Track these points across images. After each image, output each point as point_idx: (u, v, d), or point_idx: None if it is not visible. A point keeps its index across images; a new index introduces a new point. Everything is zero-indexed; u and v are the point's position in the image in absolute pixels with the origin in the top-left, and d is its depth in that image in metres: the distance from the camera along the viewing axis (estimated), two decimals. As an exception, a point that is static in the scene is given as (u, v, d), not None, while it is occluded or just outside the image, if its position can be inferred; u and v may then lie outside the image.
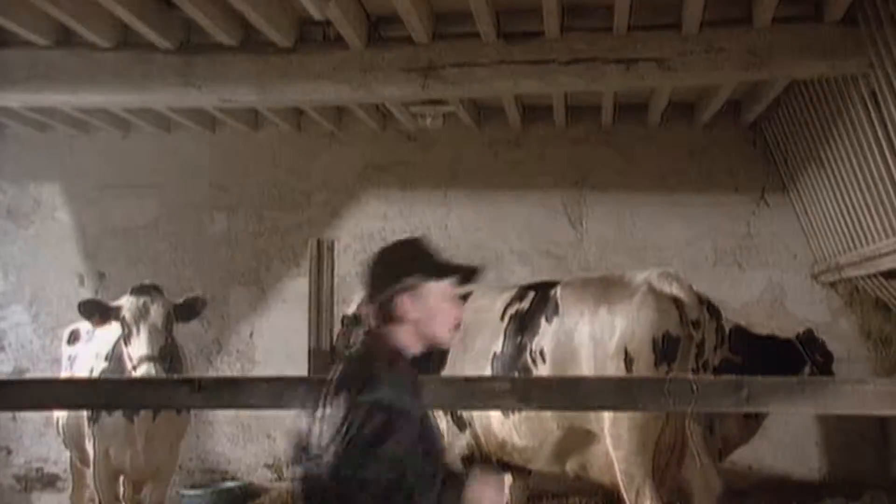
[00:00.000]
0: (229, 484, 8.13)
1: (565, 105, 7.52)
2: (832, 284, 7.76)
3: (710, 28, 5.46)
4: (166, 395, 3.71)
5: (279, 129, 8.30)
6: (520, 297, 5.45)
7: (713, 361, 5.50)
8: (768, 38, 5.44)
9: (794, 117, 6.98)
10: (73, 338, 6.43)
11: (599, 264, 7.93)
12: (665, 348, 4.90)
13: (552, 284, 5.41)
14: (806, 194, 7.48)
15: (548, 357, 5.07)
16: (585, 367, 4.98)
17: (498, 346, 5.29)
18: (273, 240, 8.50)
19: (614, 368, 4.89)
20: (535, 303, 5.33)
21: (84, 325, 6.10)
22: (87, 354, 6.00)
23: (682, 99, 7.56)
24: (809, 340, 6.40)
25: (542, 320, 5.20)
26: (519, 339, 5.23)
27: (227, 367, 8.44)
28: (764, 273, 8.00)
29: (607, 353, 4.91)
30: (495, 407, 4.47)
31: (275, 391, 3.45)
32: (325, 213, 8.50)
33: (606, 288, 5.20)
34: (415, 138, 8.31)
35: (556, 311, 5.19)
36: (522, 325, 5.28)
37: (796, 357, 6.28)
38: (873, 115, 5.56)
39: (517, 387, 2.65)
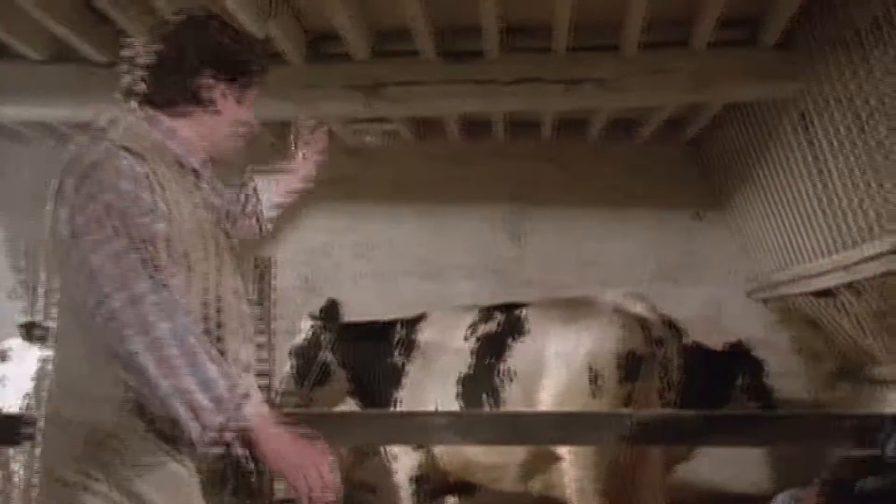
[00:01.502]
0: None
1: (505, 121, 7.54)
2: (766, 301, 7.89)
3: (651, 50, 5.54)
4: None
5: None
6: (485, 318, 5.50)
7: (677, 380, 5.59)
8: (707, 62, 5.54)
9: (730, 137, 7.10)
10: (2, 356, 6.24)
11: (542, 280, 7.97)
12: (630, 366, 5.01)
13: (518, 305, 5.47)
14: (742, 212, 7.60)
15: (516, 377, 5.14)
16: (553, 386, 5.05)
17: (465, 367, 5.31)
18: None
19: (581, 386, 4.97)
20: (503, 324, 5.37)
21: (16, 343, 5.93)
22: (19, 376, 5.83)
23: (623, 115, 7.63)
24: (740, 352, 6.50)
25: (510, 340, 5.26)
26: (487, 359, 5.27)
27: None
28: (701, 289, 8.10)
29: (574, 372, 5.00)
30: (433, 442, 4.46)
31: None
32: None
33: (573, 308, 5.31)
34: (357, 153, 8.26)
35: (523, 331, 5.26)
36: (490, 345, 5.32)
37: (729, 369, 6.37)
38: (803, 137, 5.68)
39: (455, 421, 2.64)
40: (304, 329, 5.97)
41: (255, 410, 1.94)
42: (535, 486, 5.27)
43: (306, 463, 1.96)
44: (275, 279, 8.27)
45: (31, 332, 5.42)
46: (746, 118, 6.61)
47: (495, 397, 5.18)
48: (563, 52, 5.57)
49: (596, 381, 4.97)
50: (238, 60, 2.26)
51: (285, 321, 8.28)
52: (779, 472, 7.65)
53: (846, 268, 5.63)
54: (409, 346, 5.56)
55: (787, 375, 7.57)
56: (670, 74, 5.55)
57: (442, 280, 7.97)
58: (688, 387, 5.89)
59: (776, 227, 6.84)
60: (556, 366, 5.06)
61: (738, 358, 6.49)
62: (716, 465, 7.57)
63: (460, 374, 5.32)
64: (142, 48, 2.22)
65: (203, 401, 1.86)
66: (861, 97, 4.87)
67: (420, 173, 8.30)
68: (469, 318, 5.54)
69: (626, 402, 5.13)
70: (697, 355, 6.27)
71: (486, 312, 5.55)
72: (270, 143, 8.07)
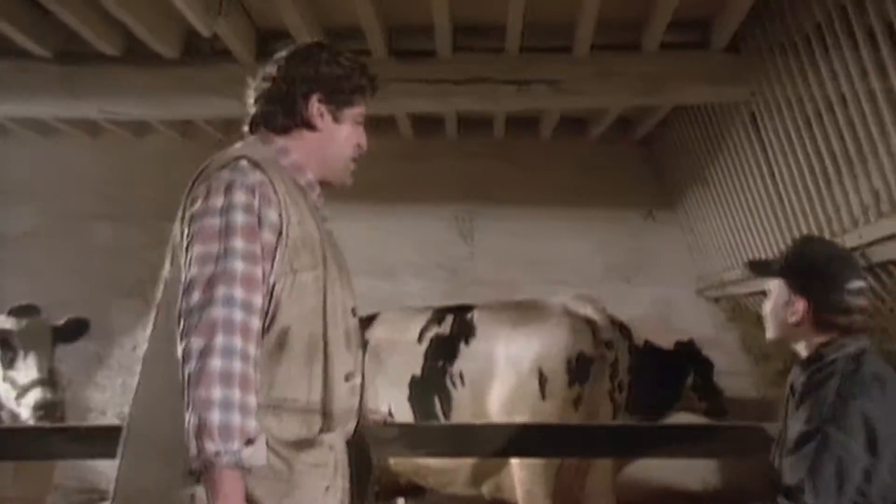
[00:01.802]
0: (109, 504, 7.90)
1: (458, 118, 7.56)
2: (716, 300, 8.02)
3: (602, 52, 5.59)
4: (42, 444, 3.51)
5: (165, 137, 8.11)
6: (438, 320, 5.52)
7: (626, 382, 5.67)
8: (658, 64, 5.60)
9: (681, 136, 7.20)
10: None
11: (492, 278, 8.02)
12: (579, 369, 5.07)
13: (468, 308, 5.50)
14: (692, 212, 7.71)
15: (467, 379, 5.18)
16: (502, 389, 5.09)
17: (417, 370, 5.34)
18: (160, 251, 8.24)
19: (530, 389, 5.01)
20: (454, 326, 5.41)
21: None
22: None
23: (575, 114, 7.69)
24: (690, 350, 6.59)
25: (461, 343, 5.29)
26: (439, 362, 5.30)
27: (108, 382, 8.24)
28: (651, 288, 8.21)
29: (523, 375, 5.05)
30: (383, 454, 4.48)
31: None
32: (213, 224, 8.35)
33: (522, 311, 5.36)
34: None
35: (473, 333, 5.29)
36: (442, 348, 5.35)
37: (679, 368, 6.46)
38: (754, 139, 5.79)
39: (405, 433, 2.66)
40: None
41: (254, 458, 2.00)
42: (486, 489, 5.32)
43: None
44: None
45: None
46: (698, 119, 6.71)
47: (446, 400, 5.23)
48: (516, 52, 5.60)
49: (545, 384, 5.03)
50: (342, 84, 2.47)
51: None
52: (729, 470, 7.78)
53: (794, 269, 5.75)
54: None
55: (737, 374, 7.71)
56: (621, 76, 5.61)
57: (393, 278, 7.98)
58: (638, 386, 5.97)
59: (727, 227, 6.96)
60: (506, 369, 5.12)
61: (688, 357, 6.57)
62: (666, 463, 7.68)
63: (412, 376, 5.35)
64: (258, 78, 2.52)
65: (214, 418, 1.94)
66: (810, 100, 4.97)
67: (371, 170, 8.17)
68: (421, 320, 5.57)
69: (576, 405, 5.20)
70: (648, 354, 6.34)
71: (438, 314, 5.58)
72: (218, 140, 8.04)
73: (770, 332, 2.71)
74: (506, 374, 5.11)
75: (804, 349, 2.62)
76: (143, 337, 2.34)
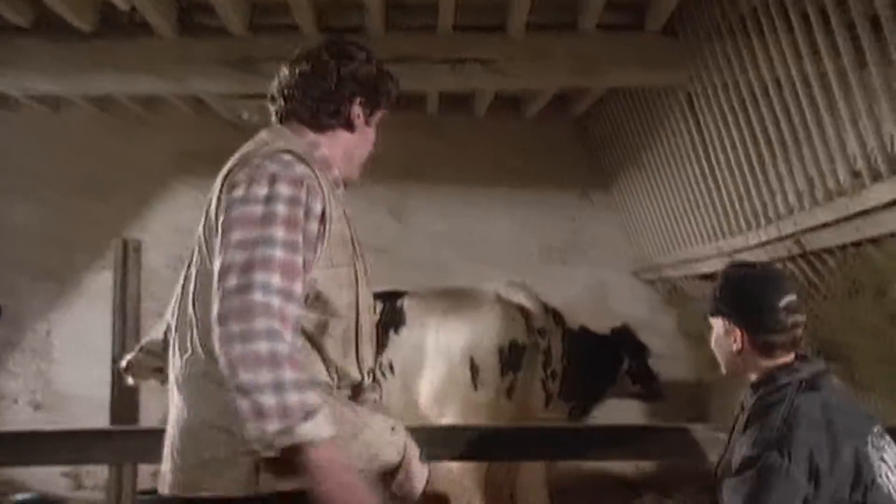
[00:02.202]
0: (22, 496, 7.72)
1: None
2: (652, 282, 8.09)
3: (537, 32, 5.56)
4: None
5: (83, 112, 7.90)
6: None
7: (560, 370, 5.69)
8: (593, 45, 5.60)
9: (617, 117, 7.22)
10: None
11: (424, 259, 7.98)
12: (511, 357, 5.07)
13: (398, 295, 5.45)
14: (628, 194, 7.75)
15: (396, 369, 5.14)
16: (433, 378, 5.07)
17: None
18: (76, 230, 8.11)
19: (462, 378, 5.00)
20: (384, 314, 5.36)
21: None
22: None
23: (510, 92, 7.66)
24: (625, 335, 6.66)
25: (391, 332, 5.25)
26: None
27: (21, 368, 8.06)
28: (587, 270, 8.26)
29: (454, 364, 5.03)
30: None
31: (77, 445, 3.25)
32: (134, 203, 8.19)
33: (453, 298, 5.33)
34: (234, 125, 8.08)
35: (403, 322, 5.25)
36: None
37: (614, 352, 6.53)
38: (690, 122, 5.82)
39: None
40: None
41: (316, 430, 2.00)
42: None
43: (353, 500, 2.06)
44: (146, 257, 8.09)
45: None
46: (634, 100, 6.72)
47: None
48: (449, 30, 5.55)
49: (477, 374, 5.02)
50: (379, 87, 2.56)
51: (156, 303, 8.09)
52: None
53: (730, 254, 5.82)
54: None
55: (673, 358, 7.80)
56: (557, 57, 5.60)
57: (322, 260, 7.90)
58: (573, 372, 6.01)
59: (663, 210, 7.01)
60: (437, 358, 5.09)
61: (624, 342, 6.64)
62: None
63: None
64: (291, 70, 2.49)
65: (270, 402, 1.95)
66: (746, 84, 5.01)
67: (298, 148, 8.15)
68: None
69: (508, 394, 5.21)
70: (583, 340, 6.39)
71: None
72: (137, 115, 7.87)
73: (722, 368, 2.76)
74: (436, 363, 5.09)
75: (753, 374, 2.65)
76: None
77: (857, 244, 4.45)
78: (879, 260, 4.31)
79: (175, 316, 2.35)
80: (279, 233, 2.12)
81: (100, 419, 6.04)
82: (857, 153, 4.19)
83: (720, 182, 5.73)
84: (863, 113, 4.04)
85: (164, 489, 2.24)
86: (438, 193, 8.17)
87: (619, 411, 6.77)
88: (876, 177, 4.01)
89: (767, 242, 5.22)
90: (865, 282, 4.50)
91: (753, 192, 5.31)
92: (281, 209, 2.15)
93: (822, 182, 4.54)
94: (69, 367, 7.90)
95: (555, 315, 5.60)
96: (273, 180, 2.18)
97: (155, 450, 2.42)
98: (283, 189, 2.18)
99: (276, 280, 2.07)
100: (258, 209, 2.14)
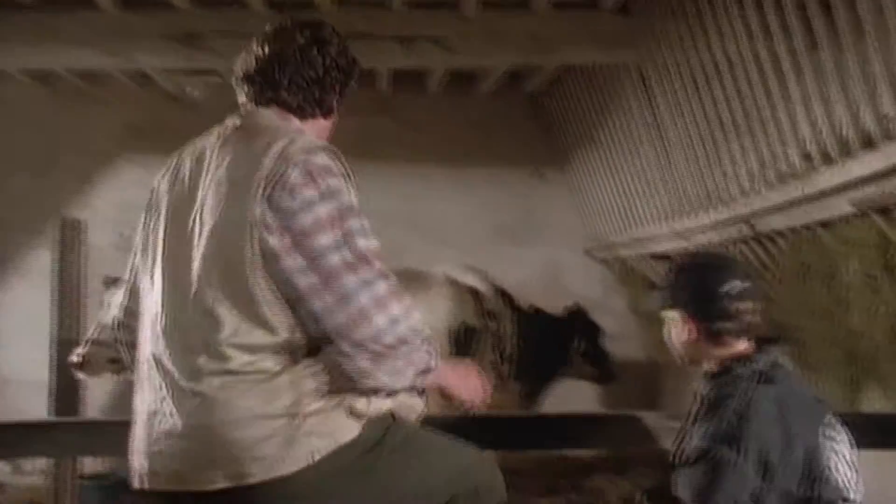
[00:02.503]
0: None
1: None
2: (606, 261, 8.16)
3: (490, 10, 5.56)
4: None
5: (22, 86, 7.75)
6: None
7: (510, 352, 5.72)
8: (546, 23, 5.61)
9: (571, 95, 7.24)
10: None
11: (378, 237, 7.94)
12: (462, 340, 5.08)
13: None
14: (582, 172, 7.80)
15: None
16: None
17: None
18: (15, 209, 7.97)
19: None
20: None
21: None
22: None
23: (463, 68, 7.64)
24: (579, 316, 6.71)
25: None
26: None
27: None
28: (541, 249, 8.30)
29: None
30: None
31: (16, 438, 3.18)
32: (76, 179, 8.06)
33: (403, 281, 5.28)
34: (178, 101, 7.98)
35: None
36: None
37: (567, 333, 6.58)
38: (643, 101, 5.87)
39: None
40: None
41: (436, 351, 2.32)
42: None
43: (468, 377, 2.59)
44: (88, 237, 7.97)
45: None
46: (588, 77, 6.75)
47: None
48: (401, 7, 5.52)
49: None
50: (352, 74, 2.54)
51: (98, 281, 8.00)
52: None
53: (683, 235, 5.88)
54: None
55: (626, 337, 7.89)
56: (509, 35, 5.60)
57: (272, 239, 7.85)
58: (526, 353, 6.06)
59: (616, 189, 7.06)
60: None
61: (576, 322, 6.70)
62: (552, 428, 7.84)
63: None
64: (268, 52, 2.42)
65: (418, 341, 2.23)
66: (699, 64, 5.04)
67: (247, 124, 8.09)
68: None
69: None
70: (536, 321, 6.44)
71: None
72: (79, 90, 7.74)
73: (678, 359, 2.79)
74: None
75: (708, 364, 2.68)
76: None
77: (807, 227, 4.52)
78: (829, 243, 4.38)
79: (162, 312, 2.27)
80: (356, 224, 2.20)
81: (40, 403, 5.97)
82: (808, 136, 4.25)
83: (673, 162, 5.78)
84: (814, 95, 4.09)
85: (175, 485, 2.20)
86: (390, 172, 8.12)
87: (572, 391, 6.84)
88: (826, 160, 4.08)
89: (720, 224, 5.28)
90: (815, 264, 4.57)
91: (706, 173, 5.36)
92: (346, 199, 2.21)
93: (773, 165, 4.60)
94: (9, 350, 7.78)
95: (506, 296, 5.63)
96: (330, 174, 2.22)
97: (99, 442, 2.38)
98: (341, 182, 2.23)
99: (377, 266, 2.20)
100: (330, 207, 2.18)
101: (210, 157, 2.32)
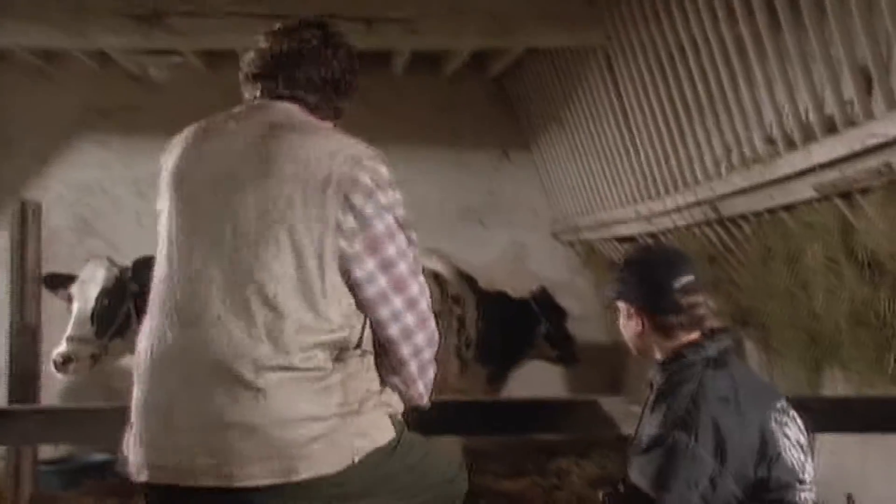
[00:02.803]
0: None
1: (304, 52, 7.38)
2: (571, 244, 8.19)
3: (453, -10, 5.54)
4: None
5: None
6: None
7: (474, 336, 5.73)
8: (509, 4, 5.61)
9: (536, 77, 7.25)
10: None
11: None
12: None
13: None
14: (547, 154, 7.81)
15: None
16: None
17: None
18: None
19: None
20: None
21: None
22: None
23: (428, 49, 7.62)
24: (543, 298, 6.74)
25: None
26: None
27: None
28: (506, 231, 8.33)
29: None
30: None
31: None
32: (34, 161, 7.96)
33: None
34: (140, 80, 7.89)
35: None
36: None
37: (531, 316, 6.61)
38: (609, 83, 5.88)
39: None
40: (101, 273, 5.47)
41: None
42: None
43: None
44: (46, 220, 7.87)
45: None
46: (553, 59, 6.74)
47: None
48: (362, -12, 5.50)
49: None
50: (357, 78, 2.59)
51: (57, 264, 7.91)
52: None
53: (648, 218, 5.92)
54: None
55: (590, 319, 7.93)
56: (472, 16, 5.59)
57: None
58: (491, 336, 6.08)
59: (582, 173, 7.08)
60: None
61: (541, 306, 6.72)
62: (517, 411, 7.88)
63: None
64: (287, 51, 2.43)
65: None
66: (664, 46, 5.06)
67: (210, 105, 7.94)
68: None
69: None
70: (500, 304, 6.46)
71: None
72: (37, 69, 7.63)
73: (631, 349, 2.84)
74: None
75: (660, 354, 2.71)
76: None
77: (771, 211, 4.56)
78: (792, 227, 4.42)
79: (195, 299, 2.20)
80: (411, 233, 2.35)
81: (-1, 389, 5.94)
82: (772, 121, 4.29)
83: (639, 145, 5.80)
84: (778, 79, 4.12)
85: (209, 481, 2.15)
86: (354, 154, 8.09)
87: (537, 374, 6.87)
88: (790, 145, 4.11)
89: (684, 207, 5.32)
90: (779, 248, 4.62)
91: (672, 156, 5.39)
92: (403, 209, 2.33)
93: (738, 149, 4.64)
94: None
95: (469, 281, 5.64)
96: (391, 185, 2.32)
97: (57, 430, 2.34)
98: (397, 191, 2.34)
99: (422, 279, 2.36)
100: (398, 214, 2.30)
101: (248, 143, 2.29)
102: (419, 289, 2.32)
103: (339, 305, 2.20)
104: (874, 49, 3.45)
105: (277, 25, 2.49)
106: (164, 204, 2.34)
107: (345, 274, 2.21)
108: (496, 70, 7.74)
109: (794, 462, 2.55)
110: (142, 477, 2.22)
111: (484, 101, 8.26)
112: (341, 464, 2.16)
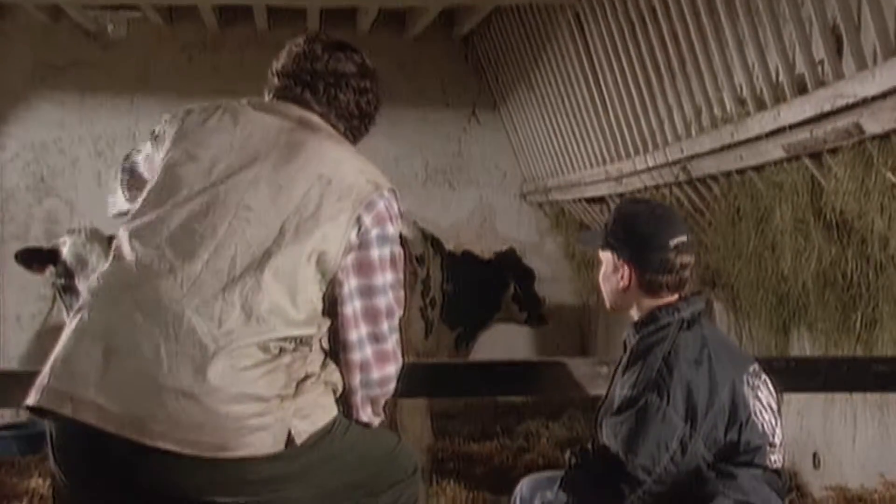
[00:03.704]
0: None
1: (268, 7, 7.31)
2: (540, 205, 8.24)
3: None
4: None
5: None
6: None
7: (439, 298, 5.74)
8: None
9: (505, 36, 7.24)
10: None
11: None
12: None
13: None
14: (516, 114, 7.82)
15: None
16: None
17: None
18: None
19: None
20: None
21: None
22: None
23: (394, 7, 7.57)
24: (510, 260, 6.77)
25: None
26: None
27: None
28: (474, 192, 8.37)
29: None
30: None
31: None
32: (-12, 119, 7.88)
33: None
34: (96, 36, 7.79)
35: None
36: None
37: (499, 278, 6.64)
38: (579, 43, 5.89)
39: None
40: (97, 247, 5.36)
41: None
42: None
43: None
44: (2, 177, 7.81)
45: None
46: (522, 17, 6.72)
47: None
48: (326, -58, 5.45)
49: None
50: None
51: (15, 225, 7.88)
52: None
53: (617, 179, 5.95)
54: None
55: (559, 280, 8.02)
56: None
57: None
58: (458, 298, 6.11)
59: (551, 133, 7.10)
60: None
61: (509, 267, 6.75)
62: (485, 374, 7.94)
63: None
64: (322, 70, 2.45)
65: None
66: (634, 5, 5.06)
67: (169, 62, 7.96)
68: None
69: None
70: (467, 265, 6.47)
71: None
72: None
73: (606, 302, 2.83)
74: None
75: (636, 312, 2.72)
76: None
77: (740, 171, 4.62)
78: (761, 188, 4.48)
79: (186, 257, 2.19)
80: (401, 274, 2.38)
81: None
82: (742, 81, 4.32)
83: (609, 105, 5.82)
84: (748, 40, 4.15)
85: (150, 440, 2.10)
86: (319, 112, 8.06)
87: (504, 337, 6.93)
88: (760, 105, 4.15)
89: (654, 168, 5.35)
90: (748, 209, 4.67)
91: (641, 117, 5.42)
92: (398, 249, 2.36)
93: (708, 109, 4.67)
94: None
95: (433, 242, 5.64)
96: (399, 218, 2.36)
97: (16, 394, 2.34)
98: (399, 228, 2.38)
99: (394, 323, 2.38)
100: (398, 250, 2.35)
101: (276, 128, 2.34)
102: (388, 328, 2.34)
103: (311, 303, 2.24)
104: (845, 9, 3.48)
105: (320, 35, 2.55)
106: (166, 151, 2.36)
107: (329, 284, 2.27)
108: (464, 29, 7.71)
109: (765, 425, 2.59)
110: (53, 405, 2.15)
111: (451, 61, 8.26)
112: (276, 446, 2.17)
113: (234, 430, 2.12)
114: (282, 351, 2.19)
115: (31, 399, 2.18)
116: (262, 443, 2.15)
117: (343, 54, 2.49)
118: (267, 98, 2.50)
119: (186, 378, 2.11)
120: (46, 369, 2.19)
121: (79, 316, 2.22)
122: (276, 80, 2.50)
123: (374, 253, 2.29)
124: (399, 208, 2.35)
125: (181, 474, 2.14)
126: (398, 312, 2.37)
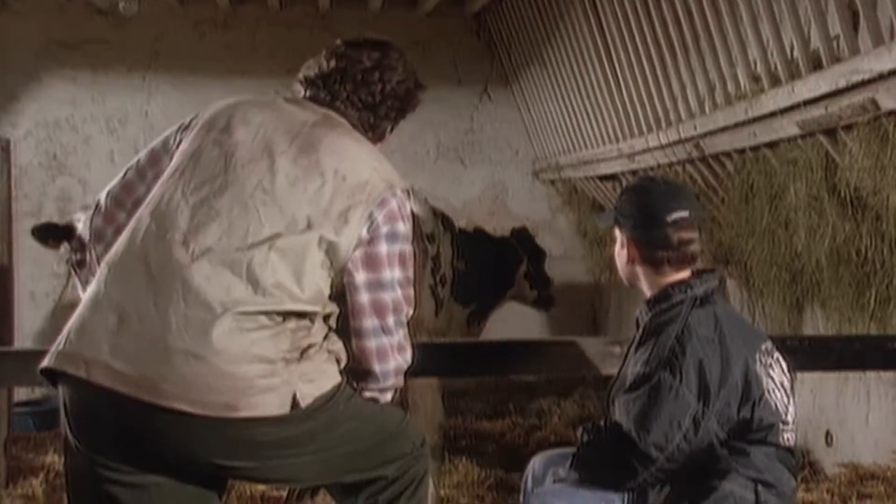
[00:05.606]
0: None
1: (281, -15, 7.32)
2: (552, 182, 8.22)
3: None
4: None
5: None
6: None
7: (450, 275, 5.75)
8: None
9: (517, 12, 7.20)
10: None
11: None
12: None
13: None
14: (529, 91, 7.79)
15: None
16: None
17: None
18: None
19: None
20: None
21: None
22: None
23: (406, -17, 7.57)
24: (523, 238, 6.77)
25: None
26: None
27: None
28: (486, 169, 8.35)
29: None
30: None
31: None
32: (1, 96, 7.88)
33: None
34: (108, 13, 7.78)
35: None
36: None
37: (512, 255, 6.63)
38: (592, 20, 5.85)
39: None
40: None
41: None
42: None
43: None
44: (13, 158, 7.80)
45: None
46: (534, -6, 6.70)
47: None
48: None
49: None
50: (411, 104, 2.72)
51: (29, 202, 7.90)
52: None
53: (630, 156, 5.93)
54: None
55: (571, 259, 8.02)
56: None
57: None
58: (470, 275, 6.11)
59: (564, 110, 7.07)
60: None
61: (522, 244, 6.74)
62: (497, 352, 7.95)
63: None
64: (335, 68, 2.55)
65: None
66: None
67: (181, 40, 7.95)
68: None
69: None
70: (479, 242, 6.47)
71: None
72: None
73: (622, 279, 2.87)
74: None
75: (648, 289, 2.74)
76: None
77: (754, 148, 4.59)
78: (775, 164, 4.46)
79: (202, 230, 2.29)
80: (411, 271, 2.46)
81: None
82: (756, 57, 4.29)
83: (622, 82, 5.79)
84: (763, 15, 4.12)
85: (163, 401, 2.17)
86: (332, 90, 8.04)
87: (516, 316, 6.93)
88: (774, 82, 4.13)
89: (668, 145, 5.33)
90: (761, 186, 4.65)
91: (655, 93, 5.39)
92: (408, 248, 2.45)
93: (722, 86, 4.65)
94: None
95: (443, 219, 5.63)
96: (410, 217, 2.46)
97: (32, 372, 2.36)
98: (411, 227, 2.47)
99: (406, 311, 2.46)
100: (406, 248, 2.43)
101: (297, 121, 2.42)
102: (395, 323, 2.42)
103: (316, 286, 2.32)
104: (861, -17, 3.45)
105: (339, 41, 2.66)
106: (191, 139, 2.45)
107: (338, 273, 2.36)
108: (476, 6, 7.67)
109: (778, 403, 2.59)
110: (67, 367, 2.22)
111: (463, 38, 8.22)
112: (283, 407, 2.23)
113: (242, 389, 2.19)
114: (286, 319, 2.27)
115: (46, 362, 2.26)
116: (269, 404, 2.22)
117: (348, 53, 2.59)
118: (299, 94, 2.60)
119: (194, 340, 2.18)
120: (62, 336, 2.28)
121: (95, 287, 2.30)
122: (304, 81, 2.60)
123: (383, 249, 2.37)
124: (410, 207, 2.45)
125: (192, 435, 2.21)
126: (406, 309, 2.44)
